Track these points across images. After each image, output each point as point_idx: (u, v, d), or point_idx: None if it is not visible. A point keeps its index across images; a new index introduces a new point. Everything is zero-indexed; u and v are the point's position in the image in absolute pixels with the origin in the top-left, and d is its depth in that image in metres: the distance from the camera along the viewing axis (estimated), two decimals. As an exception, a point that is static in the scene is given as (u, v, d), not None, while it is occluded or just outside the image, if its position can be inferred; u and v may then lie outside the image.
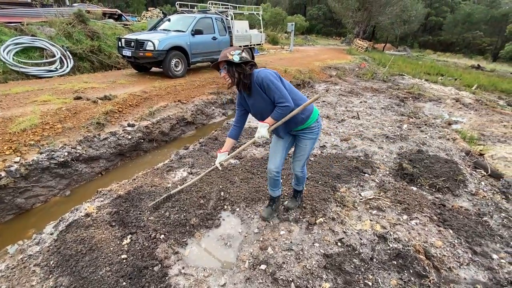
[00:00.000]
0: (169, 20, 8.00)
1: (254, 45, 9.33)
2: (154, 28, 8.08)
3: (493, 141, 5.44)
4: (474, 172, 3.42)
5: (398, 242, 2.06)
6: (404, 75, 12.53)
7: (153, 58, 6.27)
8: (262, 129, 1.77)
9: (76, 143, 3.64)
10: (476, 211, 2.56)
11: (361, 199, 2.60)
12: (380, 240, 2.08)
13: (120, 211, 2.20)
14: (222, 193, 2.54)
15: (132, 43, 6.36)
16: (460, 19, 37.57)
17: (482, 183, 3.15)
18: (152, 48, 6.18)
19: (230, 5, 8.58)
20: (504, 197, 3.06)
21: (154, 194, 2.44)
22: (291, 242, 2.00)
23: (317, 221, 2.22)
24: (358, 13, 24.94)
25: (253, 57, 9.60)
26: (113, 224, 2.08)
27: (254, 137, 1.83)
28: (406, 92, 8.45)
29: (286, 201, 2.43)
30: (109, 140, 3.94)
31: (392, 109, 5.98)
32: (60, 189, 3.42)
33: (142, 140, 4.31)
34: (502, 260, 2.04)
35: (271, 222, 2.20)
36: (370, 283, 1.68)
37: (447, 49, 39.17)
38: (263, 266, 1.78)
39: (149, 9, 24.04)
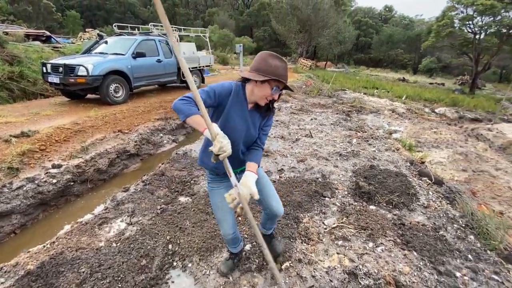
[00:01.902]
0: (106, 42, 7.37)
1: (203, 66, 9.14)
2: (88, 51, 7.34)
3: (428, 147, 6.02)
4: (420, 182, 3.60)
5: (369, 277, 1.91)
6: (346, 90, 13.62)
7: (87, 84, 5.59)
8: (251, 180, 1.28)
9: (-25, 198, 2.84)
10: (432, 225, 2.61)
11: (325, 228, 2.44)
12: (350, 277, 1.91)
13: (27, 297, 1.64)
14: (170, 246, 2.12)
15: (60, 68, 5.60)
16: (384, 39, 43.56)
17: (430, 192, 3.31)
18: (85, 74, 5.51)
19: (174, 27, 8.32)
20: (448, 202, 3.25)
21: (79, 262, 1.91)
22: (255, 301, 1.69)
23: (283, 267, 1.96)
24: (299, 35, 26.97)
25: (203, 79, 9.36)
26: (14, 319, 1.52)
27: (238, 192, 1.19)
28: (350, 106, 9.07)
29: (276, 252, 1.96)
30: (25, 188, 3.18)
31: (340, 124, 6.25)
32: (-51, 264, 2.57)
33: (72, 183, 3.61)
34: (465, 277, 2.04)
35: (230, 278, 1.87)
36: None
37: (377, 65, 44.85)
38: None
39: (86, 30, 22.28)
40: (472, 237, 2.52)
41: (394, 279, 1.95)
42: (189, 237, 2.22)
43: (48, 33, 12.65)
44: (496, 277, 2.11)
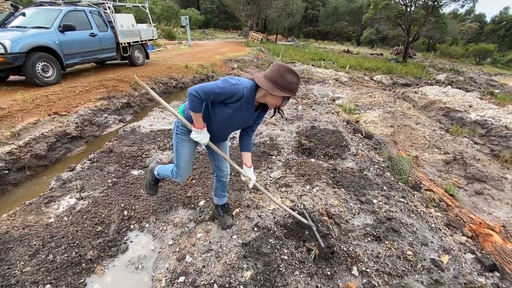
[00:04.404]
0: (23, 14, 6.34)
1: (146, 40, 8.51)
2: (2, 25, 6.26)
3: (364, 109, 6.76)
4: (354, 137, 4.16)
5: (305, 210, 2.29)
6: (295, 62, 14.06)
7: (6, 64, 4.88)
8: (252, 174, 1.74)
9: None
10: (359, 168, 3.12)
11: (271, 180, 2.76)
12: (291, 214, 2.26)
13: (-26, 274, 1.61)
14: (125, 212, 2.21)
15: (-33, 46, 4.75)
16: (330, 12, 44.91)
17: (360, 144, 3.87)
18: (2, 51, 4.79)
19: (107, -3, 7.47)
20: (376, 152, 3.86)
21: (28, 238, 1.90)
22: (209, 243, 1.93)
23: (234, 213, 2.22)
24: (248, 7, 26.26)
25: (147, 54, 8.78)
26: (-37, 295, 1.51)
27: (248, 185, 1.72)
28: (299, 77, 9.50)
29: (225, 225, 2.05)
30: None
31: (289, 93, 6.61)
32: None
33: (7, 171, 3.31)
34: (380, 203, 2.56)
35: (186, 228, 2.07)
36: (286, 257, 1.81)
37: (325, 37, 46.47)
38: (181, 278, 1.65)
39: (-7, 1, 18.48)
40: (388, 173, 3.10)
41: (326, 210, 2.37)
42: (144, 202, 2.33)
43: None
44: (403, 200, 2.69)
